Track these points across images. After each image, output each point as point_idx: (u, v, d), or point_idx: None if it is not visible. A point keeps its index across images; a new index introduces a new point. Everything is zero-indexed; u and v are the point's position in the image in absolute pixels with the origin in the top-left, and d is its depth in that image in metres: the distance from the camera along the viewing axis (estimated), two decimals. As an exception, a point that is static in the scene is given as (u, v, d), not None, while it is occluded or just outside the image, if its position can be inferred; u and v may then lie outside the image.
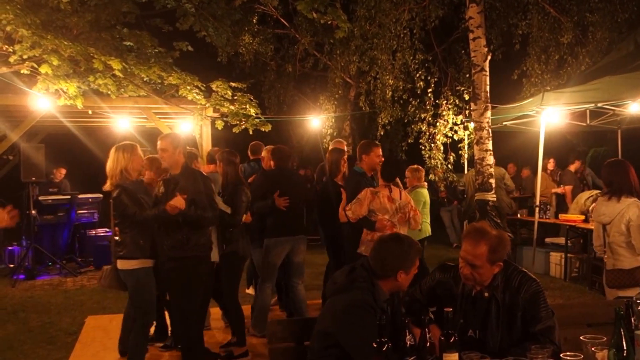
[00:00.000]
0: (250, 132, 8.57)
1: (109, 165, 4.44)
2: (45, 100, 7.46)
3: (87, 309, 7.08)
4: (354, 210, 5.05)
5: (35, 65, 6.46)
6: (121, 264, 4.45)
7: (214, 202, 4.50)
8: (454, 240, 11.93)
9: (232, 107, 8.30)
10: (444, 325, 2.33)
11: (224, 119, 8.57)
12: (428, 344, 2.30)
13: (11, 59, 6.33)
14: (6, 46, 6.28)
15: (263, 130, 8.50)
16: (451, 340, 2.24)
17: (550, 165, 10.53)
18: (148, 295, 4.48)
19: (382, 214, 5.03)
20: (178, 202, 4.11)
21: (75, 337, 5.94)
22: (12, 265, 9.67)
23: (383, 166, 5.32)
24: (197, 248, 4.35)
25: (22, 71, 6.71)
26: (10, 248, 10.09)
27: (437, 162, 11.12)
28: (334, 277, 2.86)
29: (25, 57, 6.33)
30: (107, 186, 4.50)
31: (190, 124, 9.79)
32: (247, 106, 8.35)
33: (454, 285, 2.82)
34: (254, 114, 8.42)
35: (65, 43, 6.35)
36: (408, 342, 2.29)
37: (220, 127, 8.65)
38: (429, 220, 7.06)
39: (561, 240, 8.69)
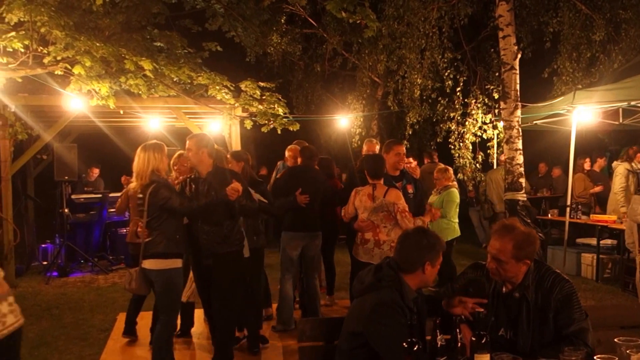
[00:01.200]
0: (279, 132, 8.60)
1: (137, 164, 4.42)
2: (78, 100, 7.61)
3: (119, 306, 7.19)
4: (344, 209, 5.27)
5: (69, 66, 6.58)
6: (152, 264, 4.43)
7: (251, 196, 4.61)
8: (483, 240, 11.80)
9: (260, 106, 8.34)
10: (476, 325, 2.31)
11: (253, 118, 8.62)
12: (459, 345, 2.28)
13: (45, 60, 6.46)
14: (41, 48, 6.41)
15: (291, 129, 8.52)
16: (483, 341, 2.22)
17: (587, 165, 10.31)
18: (176, 295, 4.54)
19: (361, 212, 5.10)
20: (237, 185, 4.23)
21: (107, 334, 6.04)
22: (45, 263, 9.88)
23: (366, 163, 5.35)
24: (236, 243, 4.48)
25: (56, 72, 6.84)
26: (43, 246, 10.31)
27: (465, 162, 11.00)
28: (360, 276, 2.85)
29: (59, 58, 6.46)
30: (134, 185, 4.50)
31: (219, 123, 9.87)
32: (276, 106, 8.38)
33: (486, 284, 2.80)
34: (282, 114, 8.45)
35: (98, 44, 6.45)
36: (439, 343, 2.28)
37: (249, 127, 8.70)
38: (457, 220, 7.03)
39: (593, 241, 8.52)
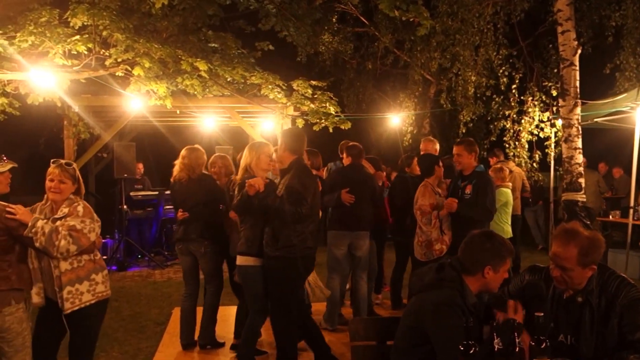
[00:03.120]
0: (330, 130, 8.63)
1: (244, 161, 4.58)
2: (138, 100, 7.85)
3: (174, 300, 7.38)
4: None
5: (129, 68, 6.79)
6: (242, 260, 4.51)
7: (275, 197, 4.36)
8: (539, 241, 11.49)
9: (312, 105, 8.40)
10: (535, 330, 2.26)
11: (305, 117, 8.68)
12: (517, 349, 2.23)
13: (107, 62, 6.69)
14: (103, 50, 6.64)
15: (343, 128, 8.53)
16: (542, 346, 2.17)
17: None
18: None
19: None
20: (256, 181, 4.16)
21: (163, 328, 6.21)
22: (105, 257, 10.23)
23: (418, 161, 5.43)
24: (286, 249, 4.27)
25: (116, 74, 7.07)
26: (104, 240, 10.68)
27: (521, 161, 10.74)
28: (420, 273, 2.82)
29: (119, 60, 6.67)
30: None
31: (271, 122, 9.99)
32: (327, 104, 8.41)
33: (544, 288, 2.73)
34: (333, 113, 8.48)
35: (156, 46, 6.64)
36: (496, 347, 2.23)
37: (300, 125, 8.76)
38: (509, 221, 6.83)
39: (657, 244, 8.19)
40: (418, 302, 2.72)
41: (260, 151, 4.56)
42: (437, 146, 6.80)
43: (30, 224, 3.34)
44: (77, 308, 3.53)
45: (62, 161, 3.63)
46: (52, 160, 3.63)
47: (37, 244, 3.33)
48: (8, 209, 3.38)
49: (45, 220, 3.41)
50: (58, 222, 3.44)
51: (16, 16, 6.46)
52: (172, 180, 5.52)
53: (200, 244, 5.30)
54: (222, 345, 5.50)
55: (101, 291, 3.69)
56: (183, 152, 5.44)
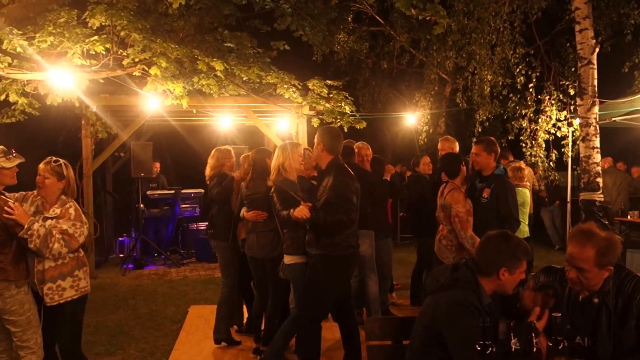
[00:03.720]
0: (345, 130, 8.62)
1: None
2: (154, 100, 7.92)
3: (190, 299, 7.44)
4: None
5: (146, 68, 6.84)
6: (290, 259, 4.60)
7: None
8: (555, 241, 11.39)
9: (327, 105, 8.40)
10: (552, 330, 2.24)
11: (320, 116, 8.69)
12: (535, 350, 2.22)
13: (124, 62, 6.75)
14: (120, 50, 6.70)
15: (358, 127, 8.53)
16: (560, 347, 2.16)
17: None
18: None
19: None
20: (302, 212, 4.18)
21: (179, 325, 6.26)
22: (122, 255, 10.34)
23: (441, 161, 5.34)
24: (328, 247, 4.29)
25: (134, 73, 7.13)
26: (120, 239, 10.80)
27: (538, 160, 10.66)
28: (435, 274, 2.82)
29: (136, 60, 6.72)
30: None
31: (286, 121, 10.01)
32: (343, 104, 8.41)
33: (560, 289, 2.71)
34: (349, 112, 8.47)
35: (173, 46, 6.68)
36: (513, 347, 2.23)
37: (316, 125, 8.76)
38: (527, 221, 6.77)
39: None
40: (433, 302, 2.71)
41: (293, 151, 4.61)
42: (456, 145, 6.76)
43: (26, 226, 3.50)
44: (56, 303, 3.72)
45: (52, 158, 3.82)
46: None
47: (31, 245, 3.51)
48: (7, 207, 3.53)
49: (40, 223, 3.57)
50: (49, 223, 3.62)
51: (35, 17, 6.54)
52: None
53: (215, 240, 5.56)
54: (239, 343, 5.55)
55: (84, 286, 3.88)
56: (212, 152, 5.75)
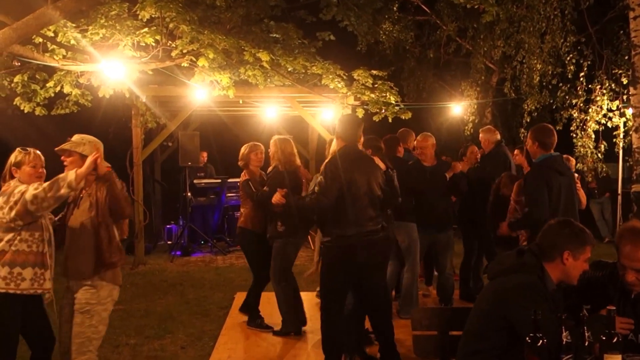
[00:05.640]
0: (390, 120, 8.59)
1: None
2: (202, 91, 8.05)
3: (236, 285, 7.58)
4: None
5: (194, 59, 6.97)
6: None
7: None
8: (605, 234, 11.10)
9: (372, 95, 8.38)
10: (607, 324, 2.20)
11: (365, 107, 8.67)
12: (587, 343, 2.19)
13: (173, 54, 6.89)
14: (169, 42, 6.85)
15: (403, 118, 8.48)
16: (614, 341, 2.12)
17: None
18: None
19: None
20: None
21: (226, 312, 6.39)
22: (170, 242, 10.60)
23: None
24: (329, 237, 4.33)
25: (182, 64, 7.27)
26: (168, 226, 11.06)
27: (587, 151, 10.39)
28: (499, 259, 2.80)
29: (185, 51, 6.86)
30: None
31: (331, 112, 10.03)
32: (388, 94, 8.38)
33: (609, 284, 2.65)
34: (394, 102, 8.43)
35: (220, 37, 6.78)
36: (564, 340, 2.20)
37: (360, 115, 8.75)
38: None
39: None
40: (496, 286, 2.67)
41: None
42: (496, 136, 6.64)
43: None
44: None
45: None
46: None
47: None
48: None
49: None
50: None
51: (88, 10, 6.72)
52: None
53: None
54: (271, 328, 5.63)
55: (23, 287, 3.51)
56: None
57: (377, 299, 4.47)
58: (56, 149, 3.65)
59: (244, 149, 5.78)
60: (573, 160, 7.02)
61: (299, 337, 5.42)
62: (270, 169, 5.51)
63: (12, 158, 3.61)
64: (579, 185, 4.77)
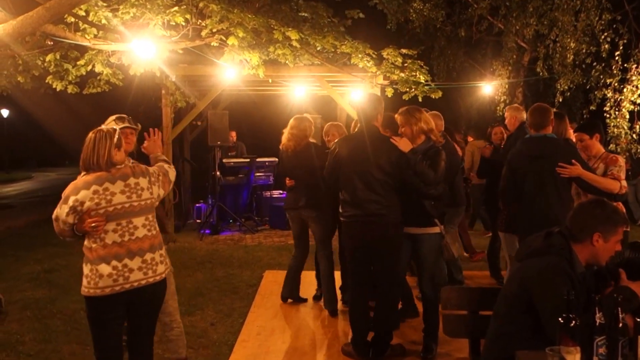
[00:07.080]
0: (420, 100, 8.51)
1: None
2: (232, 70, 8.07)
3: (265, 264, 7.65)
4: None
5: (223, 38, 6.98)
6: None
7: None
8: (638, 216, 10.86)
9: (402, 74, 8.31)
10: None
11: (394, 86, 8.60)
12: (620, 325, 2.16)
13: (203, 33, 6.92)
14: (199, 21, 6.87)
15: (433, 97, 8.39)
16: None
17: None
18: None
19: None
20: None
21: (255, 289, 6.46)
22: (199, 221, 10.73)
23: None
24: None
25: (212, 44, 7.29)
26: (197, 205, 11.20)
27: (621, 132, 10.17)
28: (527, 241, 2.77)
29: (214, 30, 6.87)
30: None
31: (360, 91, 9.97)
32: (417, 73, 8.29)
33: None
34: (423, 81, 8.35)
35: (249, 16, 6.78)
36: (597, 321, 2.17)
37: (390, 95, 8.70)
38: None
39: None
40: (523, 268, 2.65)
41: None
42: (523, 114, 6.49)
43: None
44: None
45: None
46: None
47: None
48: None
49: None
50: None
51: (119, -11, 6.79)
52: (280, 148, 5.66)
53: (310, 210, 5.46)
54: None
55: (86, 286, 3.20)
56: (292, 121, 5.54)
57: (380, 286, 4.45)
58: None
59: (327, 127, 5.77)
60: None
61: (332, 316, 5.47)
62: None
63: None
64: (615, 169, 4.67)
